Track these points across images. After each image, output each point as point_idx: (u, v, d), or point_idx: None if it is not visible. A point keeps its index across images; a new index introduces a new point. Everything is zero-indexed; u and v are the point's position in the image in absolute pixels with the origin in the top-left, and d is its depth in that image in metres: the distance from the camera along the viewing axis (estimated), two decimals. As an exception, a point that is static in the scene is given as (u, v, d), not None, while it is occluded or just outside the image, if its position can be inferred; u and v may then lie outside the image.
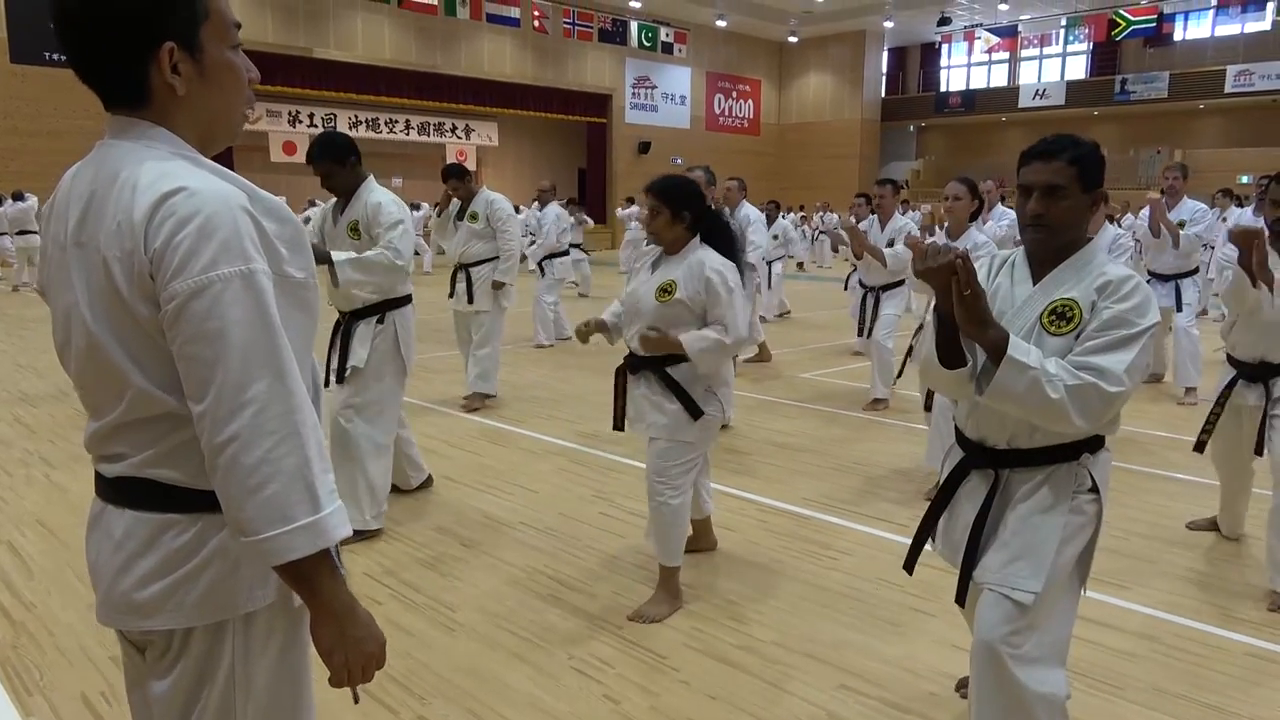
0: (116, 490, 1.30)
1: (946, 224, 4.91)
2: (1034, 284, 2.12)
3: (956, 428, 2.27)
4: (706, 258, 3.20)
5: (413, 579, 3.59)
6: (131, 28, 1.20)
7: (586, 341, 3.54)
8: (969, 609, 2.25)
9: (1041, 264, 2.13)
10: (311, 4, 21.89)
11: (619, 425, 3.48)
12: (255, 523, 1.16)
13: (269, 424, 1.15)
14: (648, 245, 3.46)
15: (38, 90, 17.91)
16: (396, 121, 24.93)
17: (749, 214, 7.30)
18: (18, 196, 14.45)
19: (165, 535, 1.27)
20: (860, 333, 6.95)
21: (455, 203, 6.38)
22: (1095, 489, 2.09)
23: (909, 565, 2.38)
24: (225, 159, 20.68)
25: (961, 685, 2.75)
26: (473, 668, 2.91)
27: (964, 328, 1.96)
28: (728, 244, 3.29)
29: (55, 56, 18.25)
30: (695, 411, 3.19)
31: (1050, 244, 2.09)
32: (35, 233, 12.17)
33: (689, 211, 3.22)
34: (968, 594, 2.20)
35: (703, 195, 3.32)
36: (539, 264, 10.01)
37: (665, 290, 3.18)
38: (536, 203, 9.36)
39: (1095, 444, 2.10)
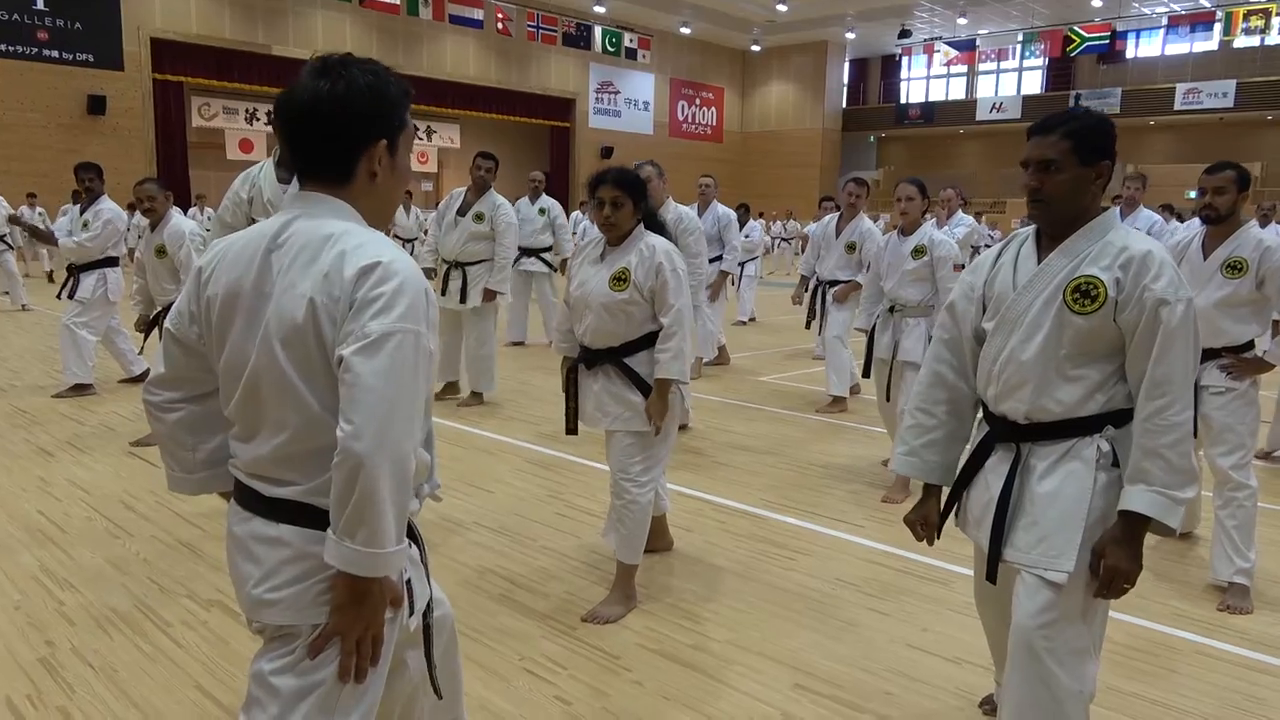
0: (275, 508, 1.50)
1: (901, 224, 4.92)
2: (1039, 260, 2.10)
3: (982, 403, 2.25)
4: (655, 242, 3.18)
5: (361, 579, 3.49)
6: (365, 124, 1.51)
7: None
8: (1000, 589, 2.20)
9: (1050, 239, 2.11)
10: (271, 1, 21.56)
11: (572, 429, 3.42)
12: (360, 536, 1.38)
13: (393, 464, 1.38)
14: (584, 241, 3.43)
15: (-16, 82, 17.41)
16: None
17: (726, 212, 7.25)
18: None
19: (316, 547, 1.45)
20: (808, 324, 6.99)
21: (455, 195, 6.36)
22: (1118, 463, 2.04)
23: (931, 540, 2.34)
24: (180, 156, 20.40)
25: (986, 703, 2.69)
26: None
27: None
28: (663, 232, 3.31)
29: (7, 48, 17.79)
30: None
31: (1050, 218, 2.08)
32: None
33: (643, 202, 3.20)
34: (998, 573, 2.15)
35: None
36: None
37: (619, 279, 3.14)
38: (527, 197, 9.14)
39: (1120, 417, 2.05)
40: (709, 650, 3.00)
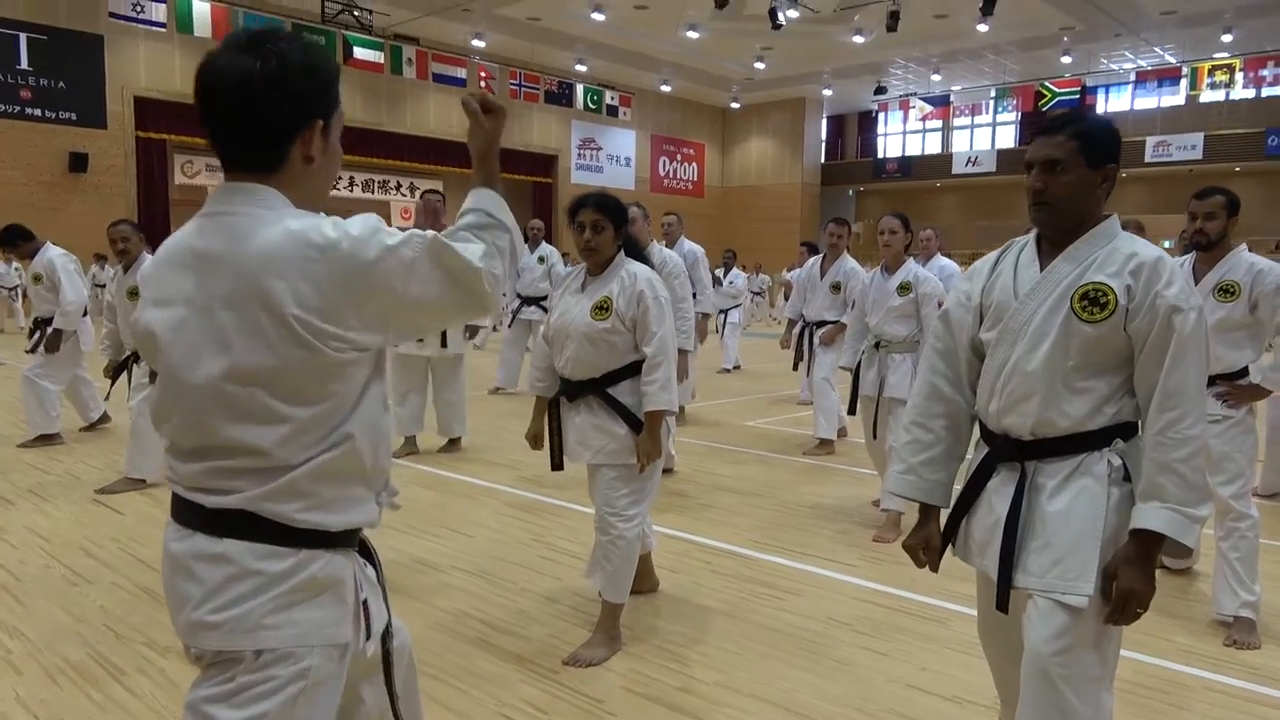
0: (219, 522, 1.35)
1: (885, 260, 4.88)
2: (1042, 267, 2.01)
3: (980, 421, 2.14)
4: (637, 270, 3.10)
5: (331, 625, 3.32)
6: (301, 105, 1.38)
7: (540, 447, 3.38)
8: (1008, 620, 2.05)
9: (1053, 244, 2.02)
10: (255, 59, 21.74)
11: (558, 464, 3.29)
12: None
13: None
14: (566, 272, 3.35)
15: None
16: (341, 178, 24.69)
17: (693, 249, 7.14)
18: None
19: (264, 563, 1.33)
20: (795, 366, 6.93)
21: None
22: (1129, 478, 1.93)
23: (935, 566, 2.19)
24: (162, 213, 20.36)
25: None
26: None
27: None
28: (644, 261, 3.23)
29: (-16, 105, 17.79)
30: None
31: (1054, 222, 1.99)
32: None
33: (624, 227, 3.13)
34: (1009, 601, 2.01)
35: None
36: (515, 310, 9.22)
37: (601, 307, 3.05)
38: (527, 245, 8.99)
39: (1128, 430, 1.96)
40: (697, 692, 2.84)
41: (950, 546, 2.18)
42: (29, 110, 18.27)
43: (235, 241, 1.33)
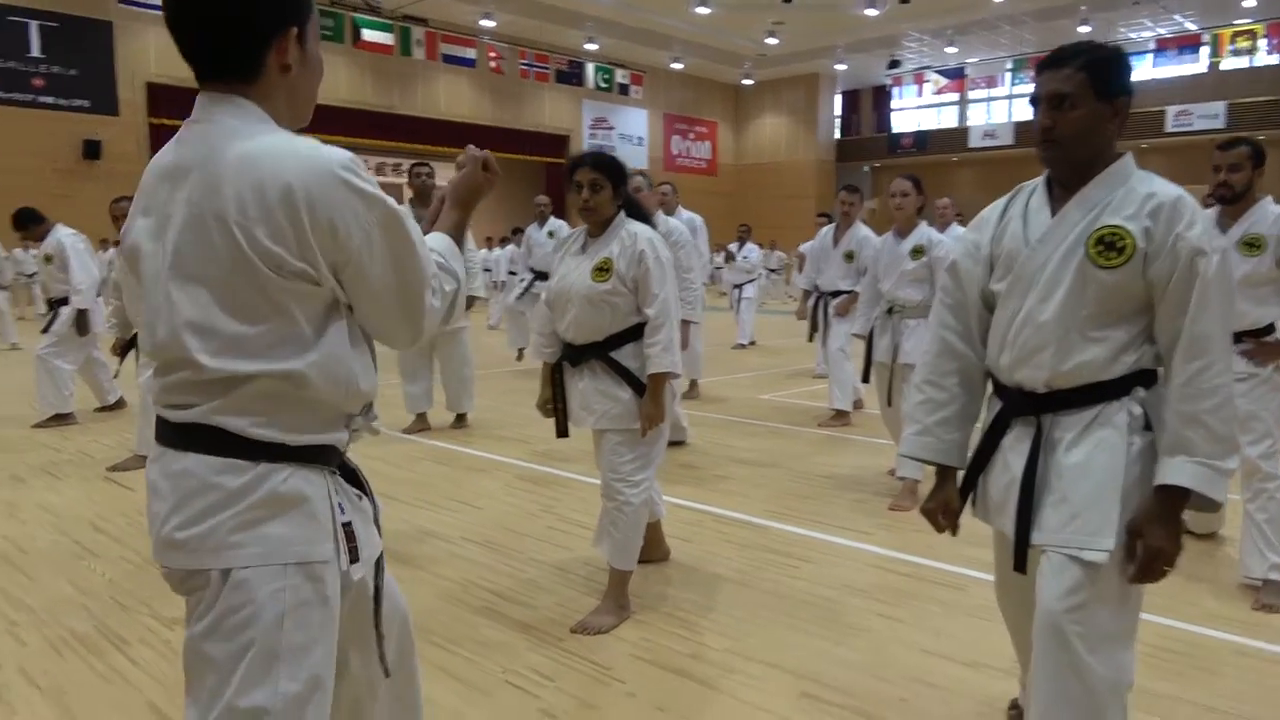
0: (181, 435, 1.32)
1: (896, 223, 4.77)
2: (1053, 212, 1.90)
3: (992, 375, 2.04)
4: (638, 230, 3.03)
5: (337, 596, 3.28)
6: (275, 9, 1.33)
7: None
8: (1026, 580, 1.95)
9: (1064, 187, 1.90)
10: (265, 43, 21.70)
11: (563, 431, 3.22)
12: None
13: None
14: (550, 227, 3.27)
15: (-22, 127, 17.45)
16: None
17: (691, 218, 6.86)
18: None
19: (222, 477, 1.29)
20: (810, 337, 6.83)
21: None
22: (1150, 427, 1.83)
23: (954, 529, 2.10)
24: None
25: (1013, 708, 2.44)
26: (395, 685, 2.60)
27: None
28: (645, 220, 3.15)
29: (4, 95, 17.85)
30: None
31: (1064, 162, 1.88)
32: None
33: (623, 186, 3.05)
34: (1027, 560, 1.92)
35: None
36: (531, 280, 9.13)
37: (602, 269, 2.97)
38: (535, 222, 9.04)
39: (1148, 378, 1.86)
40: (707, 659, 2.78)
41: (970, 508, 2.10)
42: (41, 98, 18.30)
43: (202, 151, 1.30)
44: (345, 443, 1.43)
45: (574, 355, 3.10)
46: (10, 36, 17.97)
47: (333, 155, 1.29)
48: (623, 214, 3.08)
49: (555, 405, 3.21)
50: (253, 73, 1.34)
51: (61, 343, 6.40)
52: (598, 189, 2.99)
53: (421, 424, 6.30)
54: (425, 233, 1.53)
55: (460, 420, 6.43)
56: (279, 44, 1.34)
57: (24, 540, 3.91)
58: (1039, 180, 2.00)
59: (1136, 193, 1.83)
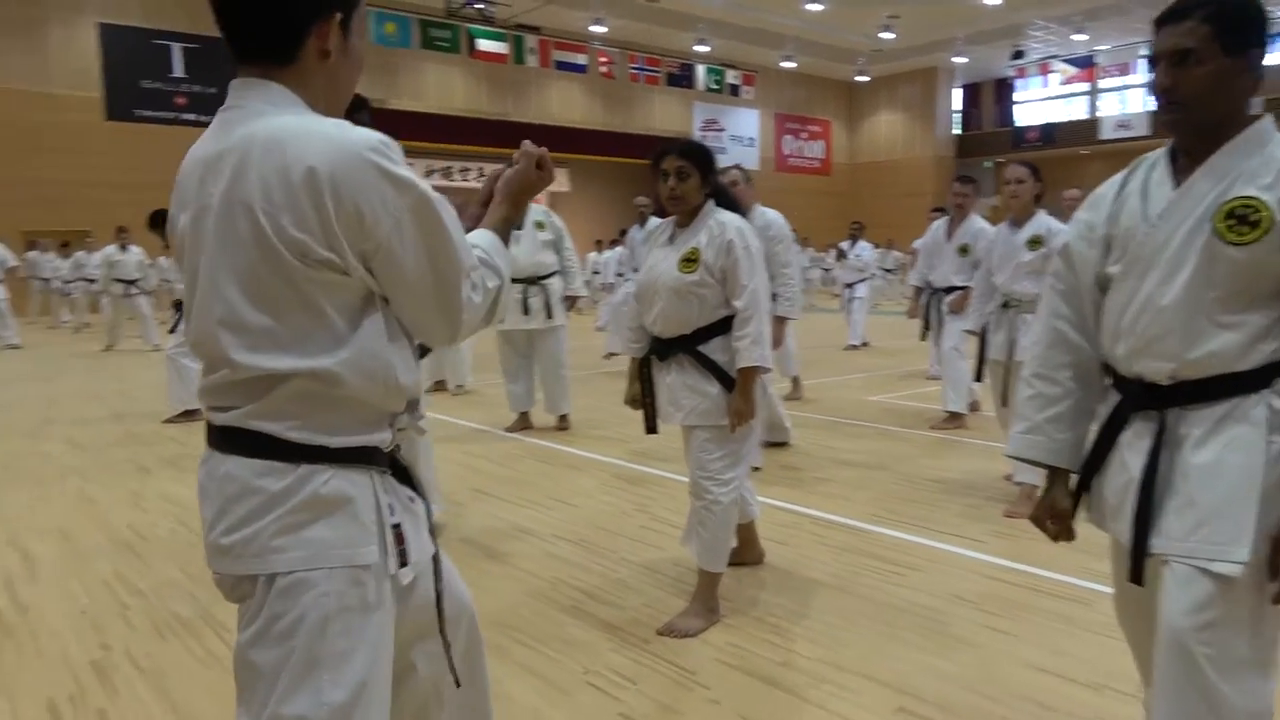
0: (223, 439, 1.30)
1: (1011, 212, 4.49)
2: (1176, 185, 1.69)
3: (1109, 366, 1.85)
4: (727, 219, 2.92)
5: (428, 590, 3.29)
6: None
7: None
8: (1147, 594, 1.74)
9: (1190, 157, 1.69)
10: (384, 57, 22.51)
11: (651, 427, 3.14)
12: None
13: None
14: (650, 228, 3.19)
15: (131, 144, 18.72)
16: (469, 169, 25.33)
17: (771, 219, 5.29)
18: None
19: (263, 480, 1.26)
20: (923, 336, 6.54)
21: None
22: None
23: (1070, 535, 1.89)
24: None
25: None
26: (477, 680, 2.58)
27: None
28: (735, 209, 3.03)
29: (143, 113, 19.13)
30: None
31: (1188, 127, 1.67)
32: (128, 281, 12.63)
33: (712, 175, 2.95)
34: (1144, 570, 1.71)
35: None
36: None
37: (689, 260, 2.88)
38: (637, 223, 9.08)
39: None
40: (798, 668, 2.64)
41: (1084, 512, 1.89)
42: (184, 115, 19.51)
43: (232, 137, 1.26)
44: (389, 443, 1.37)
45: (661, 349, 3.02)
46: (155, 59, 19.26)
47: (361, 136, 1.23)
48: (711, 203, 2.98)
49: (644, 401, 3.14)
50: (290, 55, 1.30)
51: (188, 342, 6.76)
52: (684, 177, 2.90)
53: (523, 423, 6.34)
54: (469, 229, 1.46)
55: (562, 421, 6.39)
56: (320, 28, 1.30)
57: (145, 528, 4.10)
58: (1161, 151, 1.79)
59: (1276, 159, 1.61)
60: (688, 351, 2.94)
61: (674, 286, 2.90)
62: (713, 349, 2.92)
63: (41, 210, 18.13)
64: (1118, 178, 1.86)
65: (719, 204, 2.99)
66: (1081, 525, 1.88)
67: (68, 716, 2.40)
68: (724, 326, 2.92)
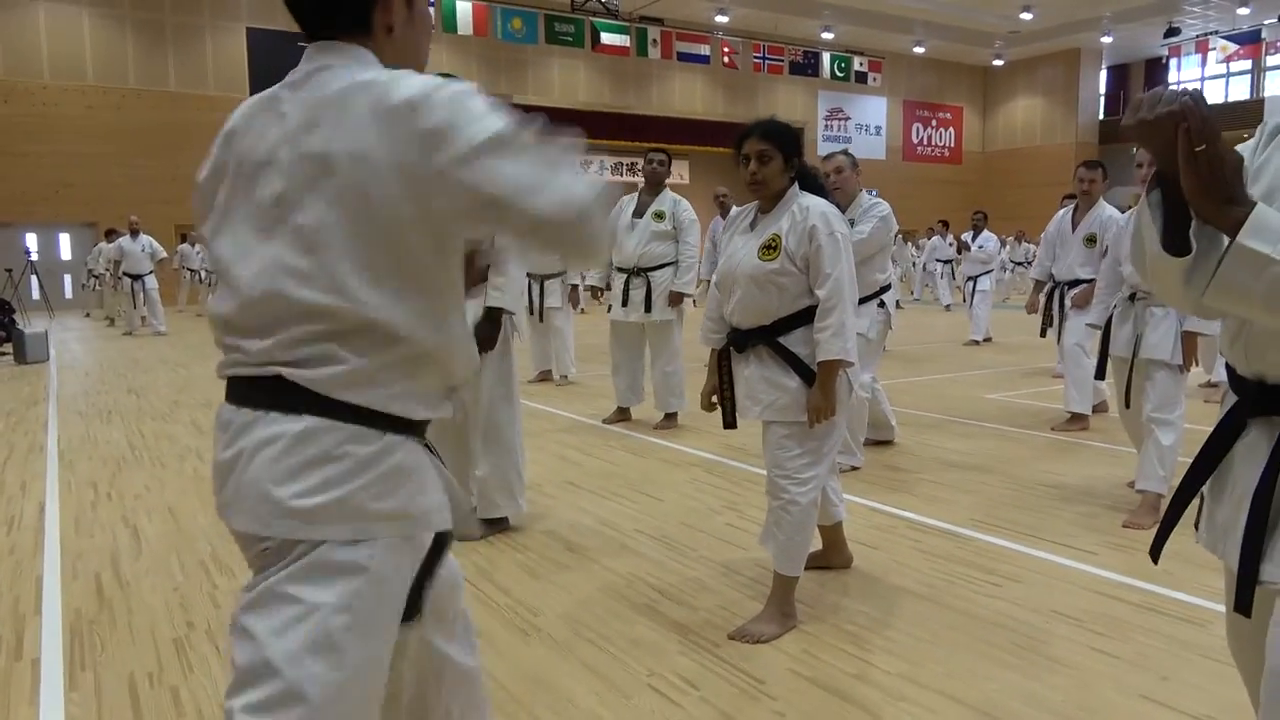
0: (300, 399, 1.26)
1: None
2: None
3: (1227, 364, 1.63)
4: (810, 203, 2.77)
5: (504, 581, 3.27)
6: None
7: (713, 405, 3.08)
8: (1258, 625, 1.50)
9: None
10: (511, 53, 22.98)
11: (730, 422, 3.02)
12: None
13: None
14: (731, 217, 3.05)
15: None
16: (590, 162, 25.59)
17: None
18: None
19: (349, 446, 1.25)
20: (1043, 333, 6.14)
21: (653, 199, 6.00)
22: None
23: (1155, 553, 1.69)
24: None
25: None
26: (537, 677, 2.53)
27: (1194, 201, 1.30)
28: (820, 192, 2.88)
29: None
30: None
31: None
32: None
33: (796, 157, 2.80)
34: (1254, 600, 1.48)
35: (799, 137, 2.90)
36: None
37: (770, 246, 2.74)
38: (719, 214, 8.91)
39: None
40: (873, 681, 2.48)
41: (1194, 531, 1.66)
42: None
43: (307, 92, 1.29)
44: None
45: (740, 340, 2.89)
46: (297, 60, 20.20)
47: (443, 79, 1.25)
48: (795, 186, 2.84)
49: (722, 394, 3.02)
50: (359, 30, 1.33)
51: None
52: (766, 160, 2.77)
53: (621, 415, 6.27)
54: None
55: (667, 420, 6.11)
56: (384, 3, 1.33)
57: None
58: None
59: None
60: (767, 343, 2.81)
61: (753, 275, 2.78)
62: (793, 340, 2.78)
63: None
64: (1254, 140, 1.60)
65: (803, 188, 2.85)
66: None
67: (144, 693, 2.48)
68: (806, 317, 2.77)
